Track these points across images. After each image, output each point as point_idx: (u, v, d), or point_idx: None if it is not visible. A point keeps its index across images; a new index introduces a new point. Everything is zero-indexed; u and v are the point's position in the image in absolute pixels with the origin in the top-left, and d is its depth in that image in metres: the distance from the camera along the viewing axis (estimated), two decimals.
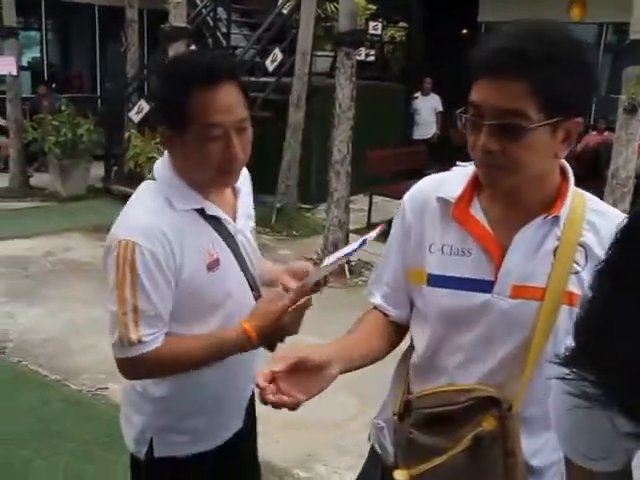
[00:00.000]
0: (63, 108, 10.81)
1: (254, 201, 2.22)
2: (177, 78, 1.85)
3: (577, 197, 1.58)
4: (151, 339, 1.86)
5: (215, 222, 1.97)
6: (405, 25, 14.31)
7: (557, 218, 1.53)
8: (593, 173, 8.92)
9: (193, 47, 8.81)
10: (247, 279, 2.06)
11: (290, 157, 9.63)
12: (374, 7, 11.41)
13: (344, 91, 7.42)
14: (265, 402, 1.45)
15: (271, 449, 3.94)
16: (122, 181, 10.30)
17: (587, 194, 1.62)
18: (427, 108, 12.74)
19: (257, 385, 1.45)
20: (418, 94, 12.92)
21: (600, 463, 1.02)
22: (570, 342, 0.94)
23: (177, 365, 1.94)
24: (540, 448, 1.63)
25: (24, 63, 13.45)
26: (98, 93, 15.26)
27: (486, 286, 1.57)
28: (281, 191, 9.61)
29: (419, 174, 1.67)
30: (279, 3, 11.04)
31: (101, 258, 1.91)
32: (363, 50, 10.51)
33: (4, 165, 11.81)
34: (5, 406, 4.35)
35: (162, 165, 1.98)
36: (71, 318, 5.99)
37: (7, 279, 6.82)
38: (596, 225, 1.55)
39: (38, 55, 14.59)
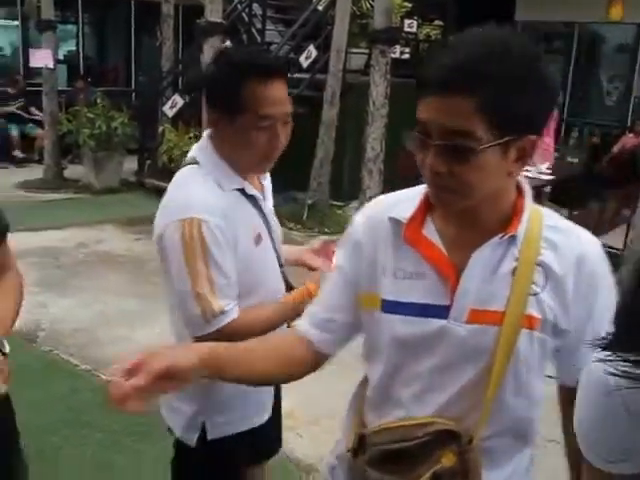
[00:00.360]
0: (98, 101, 10.89)
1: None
2: (237, 66, 1.97)
3: (534, 214, 1.49)
4: (229, 309, 1.94)
5: (253, 201, 2.09)
6: (440, 23, 14.24)
7: (514, 237, 1.44)
8: (631, 175, 8.81)
9: (228, 43, 8.85)
10: (277, 256, 2.18)
11: (323, 154, 9.60)
12: (409, 5, 11.37)
13: (378, 89, 7.43)
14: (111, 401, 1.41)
15: (297, 445, 3.97)
16: (155, 175, 10.31)
17: (544, 210, 1.53)
18: None
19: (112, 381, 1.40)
20: None
21: (619, 466, 1.03)
22: (609, 328, 1.01)
23: (250, 336, 1.98)
24: None
25: (60, 56, 13.58)
26: (133, 87, 15.39)
27: (442, 311, 1.47)
28: (313, 188, 9.56)
29: None
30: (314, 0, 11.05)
31: (147, 247, 1.98)
32: (398, 48, 10.45)
33: (39, 157, 11.95)
34: (37, 394, 4.39)
35: (199, 149, 2.09)
36: (102, 309, 6.03)
37: (40, 269, 6.88)
38: (554, 242, 1.46)
39: (74, 48, 14.72)
